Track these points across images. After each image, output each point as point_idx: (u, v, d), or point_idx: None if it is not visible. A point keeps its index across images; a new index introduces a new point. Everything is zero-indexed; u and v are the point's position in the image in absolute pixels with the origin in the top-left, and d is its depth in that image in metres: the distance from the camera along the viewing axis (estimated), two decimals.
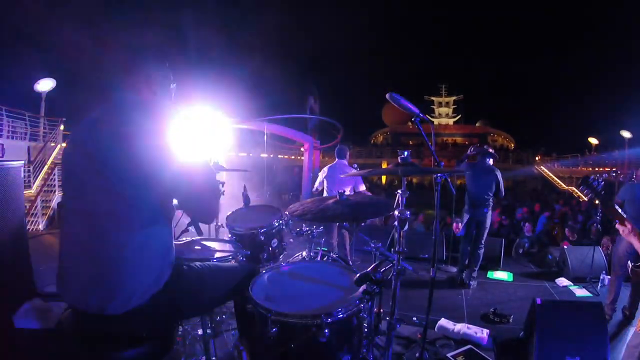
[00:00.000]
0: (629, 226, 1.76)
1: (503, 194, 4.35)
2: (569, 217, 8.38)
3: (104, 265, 1.18)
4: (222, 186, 3.05)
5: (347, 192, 4.42)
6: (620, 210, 1.82)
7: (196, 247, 2.21)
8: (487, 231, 4.34)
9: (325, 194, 4.63)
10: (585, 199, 1.95)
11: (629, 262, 2.35)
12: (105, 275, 1.18)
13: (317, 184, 4.90)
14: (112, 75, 1.34)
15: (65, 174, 1.28)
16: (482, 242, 4.35)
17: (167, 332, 1.35)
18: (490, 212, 4.32)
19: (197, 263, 1.49)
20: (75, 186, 1.23)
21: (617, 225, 1.81)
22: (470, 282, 4.28)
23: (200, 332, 1.96)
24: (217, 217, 1.12)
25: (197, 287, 1.40)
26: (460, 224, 4.72)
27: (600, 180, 1.84)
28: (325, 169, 4.79)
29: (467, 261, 4.41)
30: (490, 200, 4.29)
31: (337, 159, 4.76)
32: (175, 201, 1.31)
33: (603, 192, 1.83)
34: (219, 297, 1.53)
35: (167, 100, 1.42)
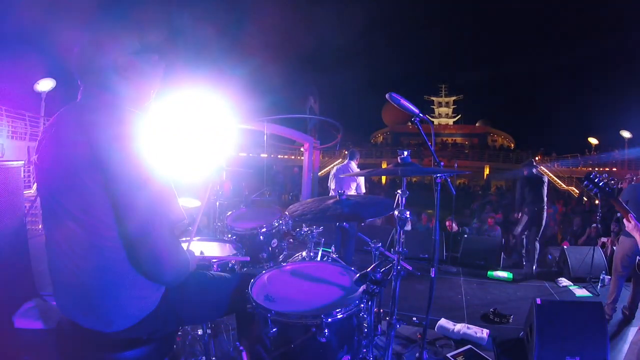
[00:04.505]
0: (632, 222, 1.80)
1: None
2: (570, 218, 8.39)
3: (96, 292, 1.10)
4: (221, 187, 3.05)
5: (352, 191, 4.72)
6: (625, 205, 1.86)
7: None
8: (541, 228, 5.05)
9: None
10: (591, 194, 2.04)
11: (637, 257, 2.37)
12: (100, 305, 1.11)
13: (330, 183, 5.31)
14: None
15: (58, 175, 1.09)
16: (537, 237, 5.03)
17: (167, 336, 1.34)
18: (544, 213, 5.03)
19: (200, 271, 1.45)
20: (60, 192, 1.08)
21: (623, 220, 1.85)
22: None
23: (200, 332, 1.96)
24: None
25: (198, 295, 1.36)
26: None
27: (601, 177, 1.92)
28: (334, 168, 5.23)
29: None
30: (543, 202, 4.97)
31: (347, 160, 5.20)
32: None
33: (606, 187, 1.89)
34: (221, 308, 1.46)
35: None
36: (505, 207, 10.47)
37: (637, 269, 2.42)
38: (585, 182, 2.00)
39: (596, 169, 20.20)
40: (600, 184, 1.94)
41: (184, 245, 1.68)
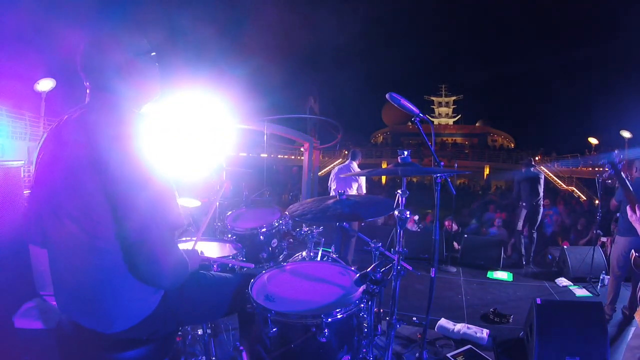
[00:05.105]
0: (638, 214, 1.78)
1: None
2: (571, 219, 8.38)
3: (96, 293, 1.10)
4: (221, 187, 3.06)
5: (353, 192, 4.70)
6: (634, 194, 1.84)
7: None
8: (538, 222, 5.52)
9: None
10: (604, 175, 2.01)
11: (632, 251, 2.35)
12: (100, 306, 1.11)
13: (330, 183, 5.27)
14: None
15: (58, 180, 1.08)
16: (534, 229, 5.51)
17: (167, 336, 1.34)
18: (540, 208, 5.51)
19: (200, 271, 1.45)
20: (60, 195, 1.08)
21: (627, 209, 1.83)
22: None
23: (200, 332, 1.96)
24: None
25: (198, 296, 1.35)
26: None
27: (621, 161, 1.90)
28: (336, 168, 5.22)
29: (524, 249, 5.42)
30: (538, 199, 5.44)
31: (349, 160, 5.18)
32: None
33: (622, 174, 1.88)
34: (221, 308, 1.46)
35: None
36: (506, 207, 10.45)
37: (632, 265, 2.40)
38: (608, 164, 1.94)
39: (596, 169, 20.16)
40: (620, 168, 1.91)
41: (190, 245, 1.68)
